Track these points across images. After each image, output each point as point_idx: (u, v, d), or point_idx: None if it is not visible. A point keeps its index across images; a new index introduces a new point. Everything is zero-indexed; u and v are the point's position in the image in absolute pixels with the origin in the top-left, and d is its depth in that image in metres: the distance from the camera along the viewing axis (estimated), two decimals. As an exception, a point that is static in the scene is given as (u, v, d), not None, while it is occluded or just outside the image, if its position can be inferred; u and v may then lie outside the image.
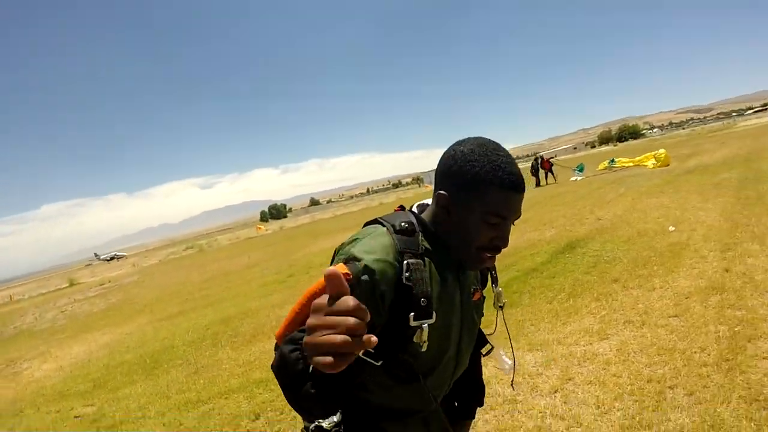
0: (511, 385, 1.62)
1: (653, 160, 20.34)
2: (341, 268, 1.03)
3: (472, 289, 1.33)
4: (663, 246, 6.75)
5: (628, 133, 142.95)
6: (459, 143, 1.20)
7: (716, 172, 13.72)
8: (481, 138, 1.20)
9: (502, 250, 1.21)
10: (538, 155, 25.89)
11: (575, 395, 3.45)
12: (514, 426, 3.28)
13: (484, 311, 1.47)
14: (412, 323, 1.11)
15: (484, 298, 1.43)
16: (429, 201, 1.32)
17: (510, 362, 1.59)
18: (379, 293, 1.08)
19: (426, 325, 1.12)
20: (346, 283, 0.72)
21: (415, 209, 1.34)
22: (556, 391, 3.57)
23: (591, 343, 4.22)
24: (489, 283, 1.47)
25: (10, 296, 43.62)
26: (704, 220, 7.85)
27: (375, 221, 1.27)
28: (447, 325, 1.25)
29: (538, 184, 24.22)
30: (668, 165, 19.33)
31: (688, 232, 7.21)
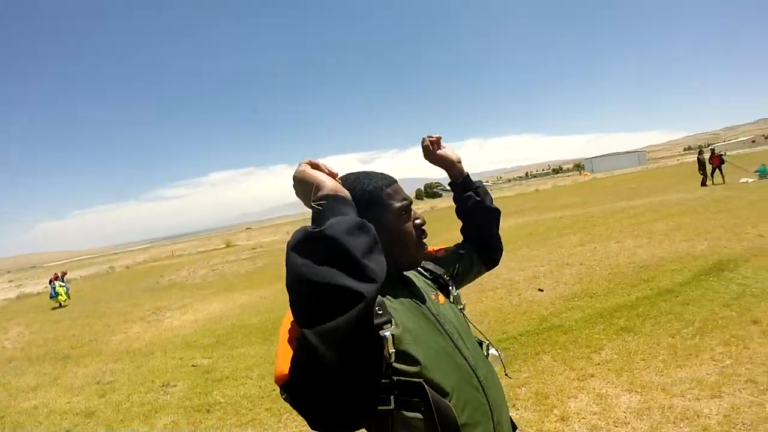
0: (505, 374, 1.53)
1: None
2: None
3: (432, 296, 1.39)
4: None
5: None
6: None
7: None
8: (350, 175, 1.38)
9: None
10: (705, 148, 23.05)
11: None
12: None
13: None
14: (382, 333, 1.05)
15: (456, 299, 1.51)
16: None
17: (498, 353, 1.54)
18: None
19: (389, 333, 1.07)
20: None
21: None
22: (636, 451, 3.14)
23: (699, 399, 3.63)
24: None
25: (172, 251, 49.09)
26: None
27: None
28: (421, 332, 1.21)
29: (704, 183, 21.65)
30: None
31: None
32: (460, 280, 1.67)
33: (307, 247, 0.91)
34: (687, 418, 3.41)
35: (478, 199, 1.71)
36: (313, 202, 1.02)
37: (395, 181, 1.38)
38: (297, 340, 0.90)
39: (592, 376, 4.32)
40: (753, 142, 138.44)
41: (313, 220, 0.98)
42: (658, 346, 4.69)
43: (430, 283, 1.48)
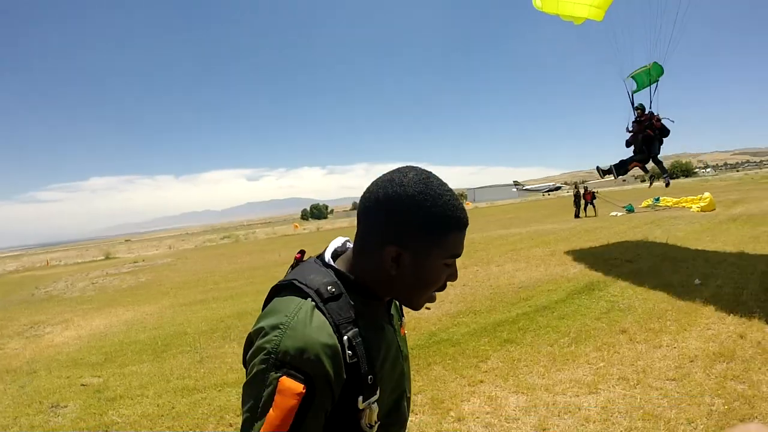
0: None
1: (699, 204, 19.78)
2: (288, 387, 0.91)
3: (401, 330, 1.27)
4: (683, 301, 6.52)
5: (680, 170, 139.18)
6: (396, 183, 1.03)
7: (758, 224, 13.25)
8: (418, 172, 1.05)
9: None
10: (580, 185, 25.52)
11: (544, 449, 3.39)
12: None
13: None
14: (362, 405, 1.01)
15: None
16: (341, 240, 1.21)
17: None
18: (334, 390, 0.97)
19: (375, 404, 1.03)
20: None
21: (329, 258, 1.14)
22: (526, 441, 3.52)
23: (578, 395, 4.14)
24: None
25: (47, 261, 45.16)
26: (734, 276, 7.57)
27: (289, 286, 1.05)
28: (393, 379, 1.15)
29: (577, 216, 23.81)
30: (713, 210, 18.73)
31: (714, 289, 6.95)
32: None
33: None
34: (569, 412, 3.88)
35: None
36: None
37: (466, 226, 1.07)
38: None
39: (481, 381, 4.73)
40: (624, 180, 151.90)
41: None
42: (539, 354, 5.22)
43: (396, 312, 1.30)
